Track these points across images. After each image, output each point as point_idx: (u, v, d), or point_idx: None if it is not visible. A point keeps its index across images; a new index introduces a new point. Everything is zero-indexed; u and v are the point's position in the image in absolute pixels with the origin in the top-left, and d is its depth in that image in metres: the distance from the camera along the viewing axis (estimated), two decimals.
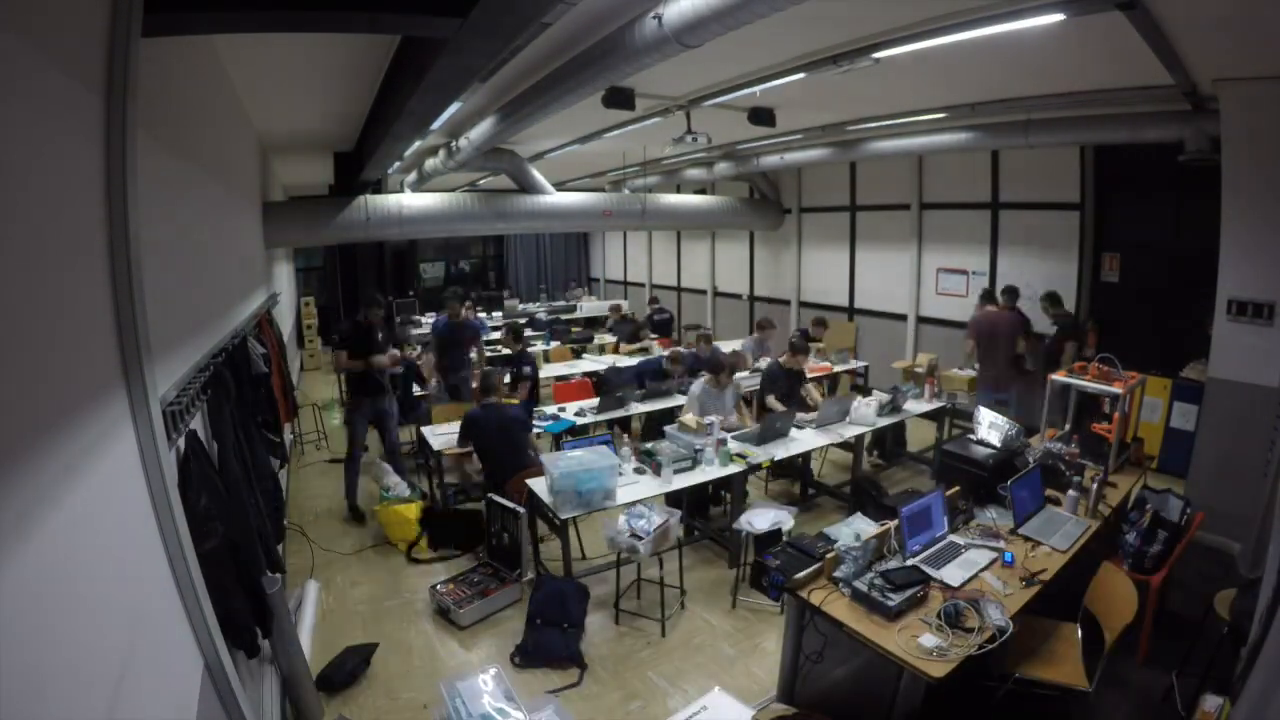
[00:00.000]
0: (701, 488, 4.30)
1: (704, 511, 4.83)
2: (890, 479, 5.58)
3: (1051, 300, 5.79)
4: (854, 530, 3.28)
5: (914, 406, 5.43)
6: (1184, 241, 5.56)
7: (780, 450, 4.48)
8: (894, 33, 3.37)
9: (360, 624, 3.75)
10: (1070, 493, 3.33)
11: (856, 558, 2.66)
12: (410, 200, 7.19)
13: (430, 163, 7.14)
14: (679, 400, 5.57)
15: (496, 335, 8.42)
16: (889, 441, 5.89)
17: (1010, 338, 5.69)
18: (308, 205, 7.04)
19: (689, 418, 4.63)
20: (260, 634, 2.39)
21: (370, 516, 5.05)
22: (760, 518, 3.80)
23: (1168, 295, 5.77)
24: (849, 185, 8.59)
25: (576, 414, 5.39)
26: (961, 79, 4.50)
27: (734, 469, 4.16)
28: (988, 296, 6.04)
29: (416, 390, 6.40)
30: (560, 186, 8.16)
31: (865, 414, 5.00)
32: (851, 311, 8.82)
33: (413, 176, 8.26)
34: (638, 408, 5.73)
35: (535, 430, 5.03)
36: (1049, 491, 3.43)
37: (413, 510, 4.66)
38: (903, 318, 8.03)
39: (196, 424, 2.21)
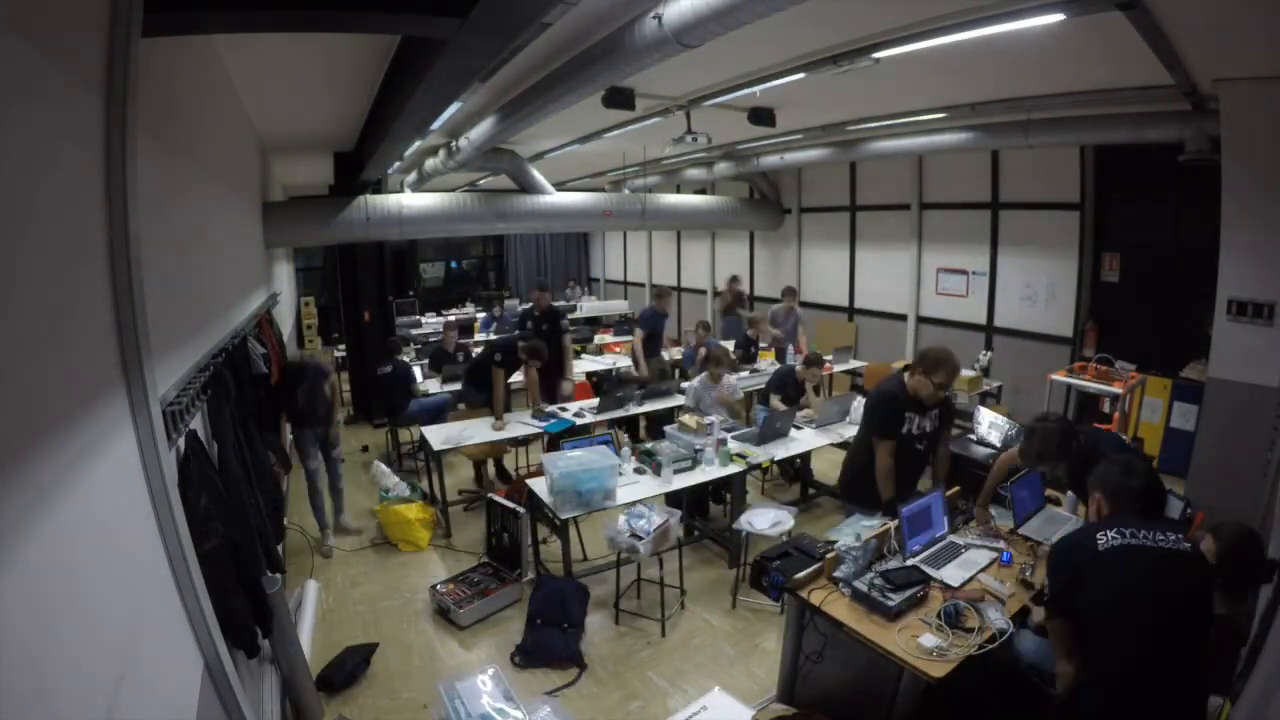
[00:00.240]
0: (702, 487, 4.31)
1: (704, 511, 4.83)
2: None
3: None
4: (854, 530, 3.28)
5: None
6: (1184, 241, 5.56)
7: (780, 450, 4.48)
8: (894, 33, 3.36)
9: (360, 624, 3.76)
10: (1070, 493, 3.33)
11: (856, 558, 2.66)
12: (410, 200, 7.19)
13: (430, 163, 7.14)
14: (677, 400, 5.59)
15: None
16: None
17: None
18: (308, 205, 7.03)
19: (689, 418, 4.63)
20: (260, 634, 2.39)
21: (370, 516, 5.05)
22: (760, 518, 3.80)
23: (1168, 295, 5.77)
24: (849, 185, 8.59)
25: (576, 414, 5.39)
26: (961, 79, 4.50)
27: (734, 469, 4.16)
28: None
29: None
30: (560, 186, 8.16)
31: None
32: (851, 311, 8.82)
33: (413, 176, 8.25)
34: (638, 408, 5.74)
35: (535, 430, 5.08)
36: (1049, 491, 3.43)
37: (413, 510, 4.67)
38: (903, 318, 8.03)
39: (197, 424, 2.21)
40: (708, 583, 4.09)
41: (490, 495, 4.39)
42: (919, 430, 3.26)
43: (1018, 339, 6.85)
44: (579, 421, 5.27)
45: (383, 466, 5.15)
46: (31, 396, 1.17)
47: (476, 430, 5.05)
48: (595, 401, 5.64)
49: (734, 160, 8.41)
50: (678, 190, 10.62)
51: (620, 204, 8.47)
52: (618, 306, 13.12)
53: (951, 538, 3.00)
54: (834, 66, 3.71)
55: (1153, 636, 1.87)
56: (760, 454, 4.33)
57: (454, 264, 15.52)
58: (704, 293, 11.51)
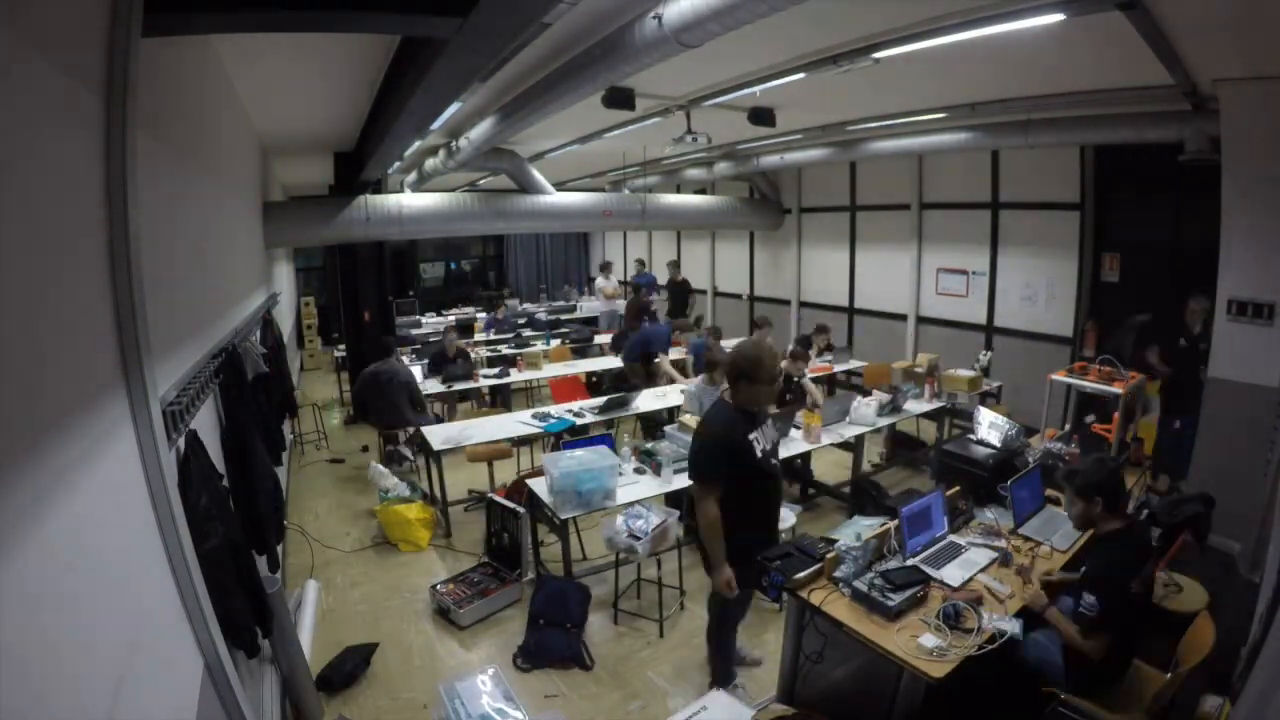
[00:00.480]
0: None
1: None
2: (890, 479, 5.58)
3: None
4: (854, 530, 3.28)
5: (914, 406, 5.43)
6: (1184, 241, 5.56)
7: (780, 451, 4.47)
8: (894, 33, 3.36)
9: (360, 624, 3.75)
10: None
11: (856, 558, 2.66)
12: (410, 200, 7.19)
13: (430, 163, 7.14)
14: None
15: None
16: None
17: None
18: (308, 205, 7.03)
19: (689, 418, 4.63)
20: (260, 634, 2.38)
21: (370, 516, 5.05)
22: None
23: (1168, 295, 5.76)
24: (849, 185, 8.59)
25: (575, 414, 5.39)
26: (961, 79, 4.50)
27: None
28: None
29: None
30: (560, 186, 8.16)
31: (865, 414, 5.00)
32: (851, 311, 8.81)
33: (413, 176, 8.26)
34: (638, 407, 5.74)
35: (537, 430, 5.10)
36: (1049, 491, 3.43)
37: (413, 510, 4.67)
38: (903, 318, 8.03)
39: (197, 423, 2.21)
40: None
41: (490, 495, 4.39)
42: (767, 446, 2.80)
43: (1018, 339, 6.85)
44: (579, 421, 5.28)
45: (380, 467, 5.15)
46: (31, 397, 1.17)
47: (477, 430, 5.06)
48: (595, 401, 5.65)
49: (734, 160, 8.41)
50: (678, 190, 10.62)
51: (620, 204, 8.47)
52: (618, 307, 13.09)
53: (951, 538, 3.01)
54: (834, 66, 3.71)
55: None
56: None
57: (454, 264, 15.52)
58: (704, 293, 11.51)
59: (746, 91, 4.44)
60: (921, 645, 2.26)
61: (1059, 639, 2.46)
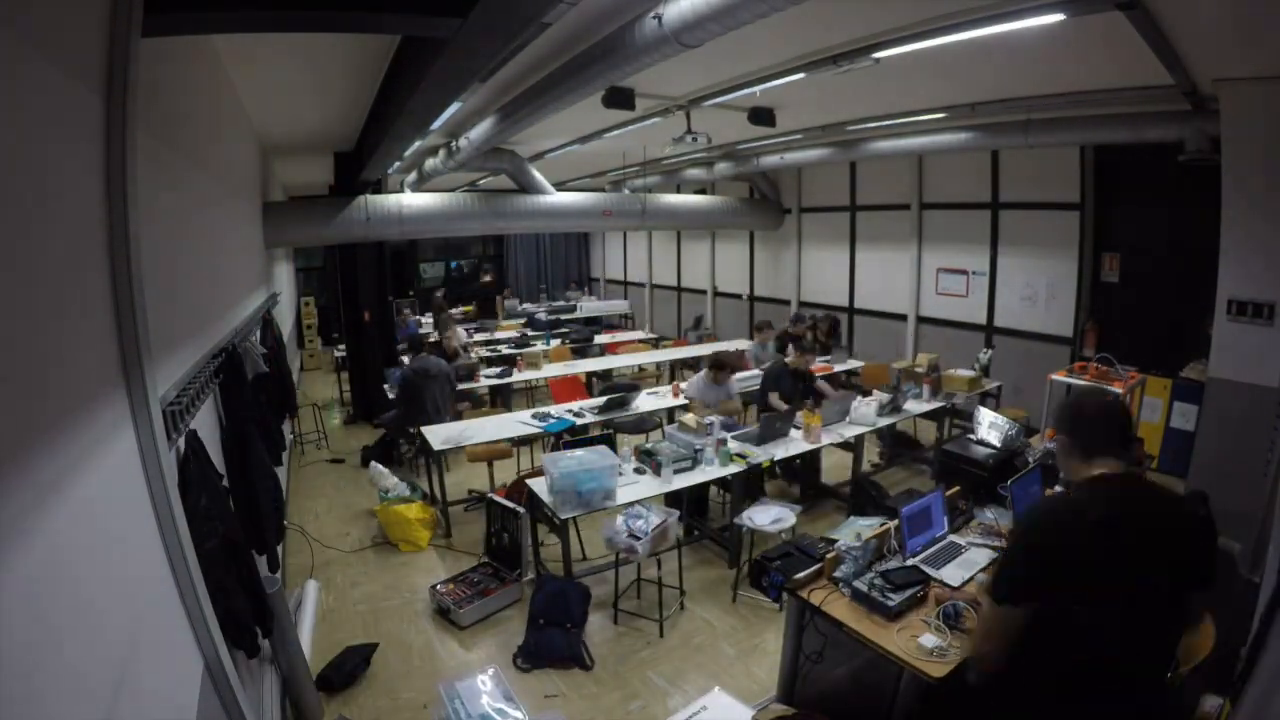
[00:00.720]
0: (702, 488, 4.30)
1: (703, 512, 4.83)
2: (890, 479, 5.58)
3: None
4: (854, 530, 3.28)
5: (914, 406, 5.43)
6: (1184, 241, 5.55)
7: (780, 450, 4.48)
8: (894, 33, 3.36)
9: (360, 624, 3.75)
10: None
11: (856, 558, 2.66)
12: (410, 200, 7.19)
13: (430, 163, 7.14)
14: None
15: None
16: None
17: None
18: (308, 205, 7.03)
19: (689, 417, 4.63)
20: (260, 634, 2.39)
21: (370, 516, 5.05)
22: (762, 514, 3.81)
23: (1168, 295, 5.77)
24: (849, 185, 8.59)
25: (575, 414, 5.39)
26: (961, 79, 4.50)
27: (734, 469, 4.16)
28: None
29: None
30: (560, 186, 8.16)
31: (865, 414, 5.00)
32: (851, 311, 8.81)
33: (413, 176, 8.25)
34: (639, 408, 5.74)
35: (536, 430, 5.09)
36: (1049, 491, 3.42)
37: (413, 510, 4.67)
38: (903, 318, 8.03)
39: (197, 423, 2.21)
40: (707, 583, 4.09)
41: (490, 495, 4.39)
42: None
43: (1018, 339, 6.85)
44: (579, 421, 5.28)
45: (380, 467, 5.15)
46: (31, 397, 1.17)
47: (477, 430, 5.06)
48: (595, 401, 5.65)
49: (734, 160, 8.41)
50: (678, 190, 10.62)
51: (620, 204, 8.47)
52: (618, 307, 13.13)
53: (952, 537, 3.00)
54: (834, 66, 3.71)
55: None
56: (760, 454, 4.33)
57: (454, 264, 15.53)
58: (704, 293, 11.51)
59: (746, 91, 4.44)
60: (921, 645, 2.25)
61: None
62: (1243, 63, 3.70)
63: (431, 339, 7.33)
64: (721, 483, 4.80)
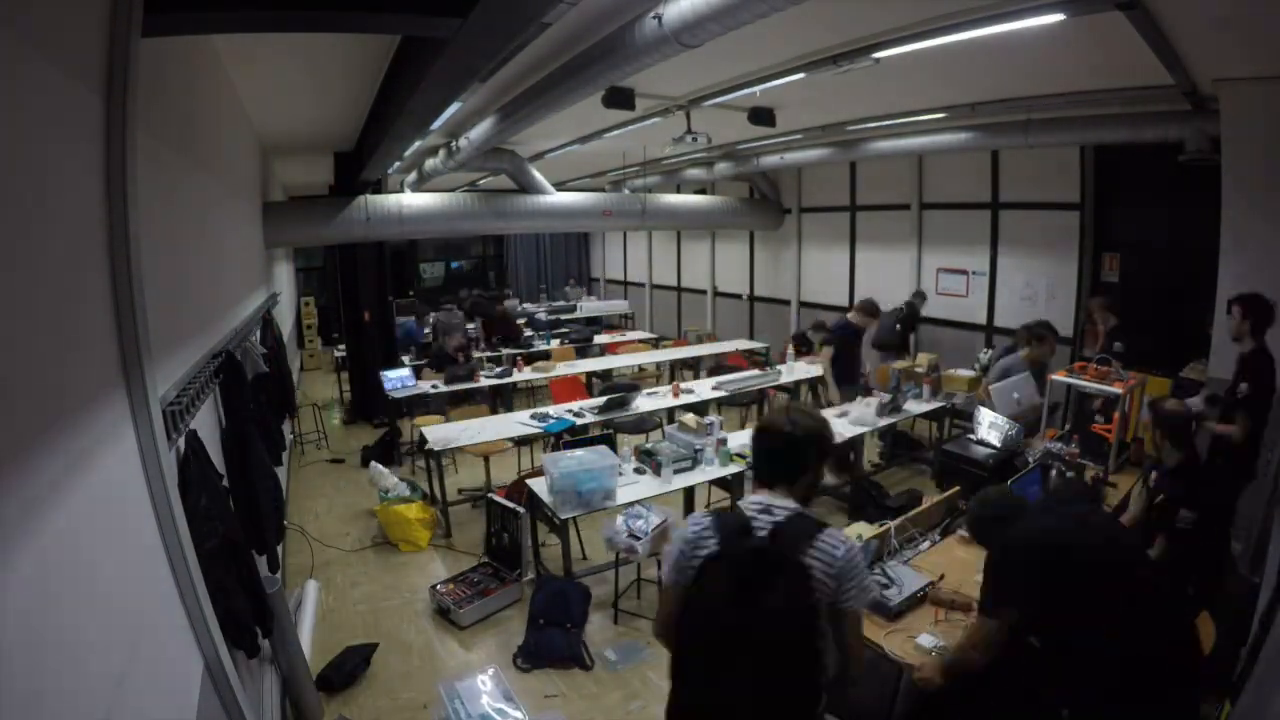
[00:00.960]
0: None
1: None
2: (890, 479, 5.58)
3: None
4: (854, 530, 3.28)
5: (914, 406, 5.43)
6: (1184, 241, 5.55)
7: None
8: (894, 33, 3.36)
9: (360, 624, 3.76)
10: None
11: None
12: (410, 200, 7.19)
13: (430, 163, 7.14)
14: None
15: None
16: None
17: None
18: (308, 205, 7.03)
19: (689, 417, 4.63)
20: (260, 634, 2.39)
21: (370, 516, 5.05)
22: None
23: (1167, 295, 5.76)
24: (849, 185, 8.58)
25: (575, 414, 5.39)
26: (961, 79, 4.50)
27: (734, 469, 4.16)
28: None
29: None
30: (560, 186, 8.16)
31: (865, 414, 5.00)
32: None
33: (413, 176, 8.26)
34: (639, 407, 5.74)
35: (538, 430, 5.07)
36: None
37: (413, 510, 4.67)
38: None
39: (197, 423, 2.21)
40: None
41: (490, 495, 4.39)
42: None
43: None
44: (579, 421, 5.28)
45: (380, 467, 5.15)
46: (31, 397, 1.17)
47: (477, 430, 5.06)
48: (595, 401, 5.64)
49: (734, 160, 8.41)
50: (678, 190, 10.62)
51: (620, 204, 8.47)
52: (618, 306, 13.12)
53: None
54: (834, 66, 3.71)
55: None
56: None
57: (454, 264, 15.53)
58: (704, 293, 11.51)
59: (746, 91, 4.44)
60: (921, 645, 2.26)
61: None
62: (1243, 63, 3.70)
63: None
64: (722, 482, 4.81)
